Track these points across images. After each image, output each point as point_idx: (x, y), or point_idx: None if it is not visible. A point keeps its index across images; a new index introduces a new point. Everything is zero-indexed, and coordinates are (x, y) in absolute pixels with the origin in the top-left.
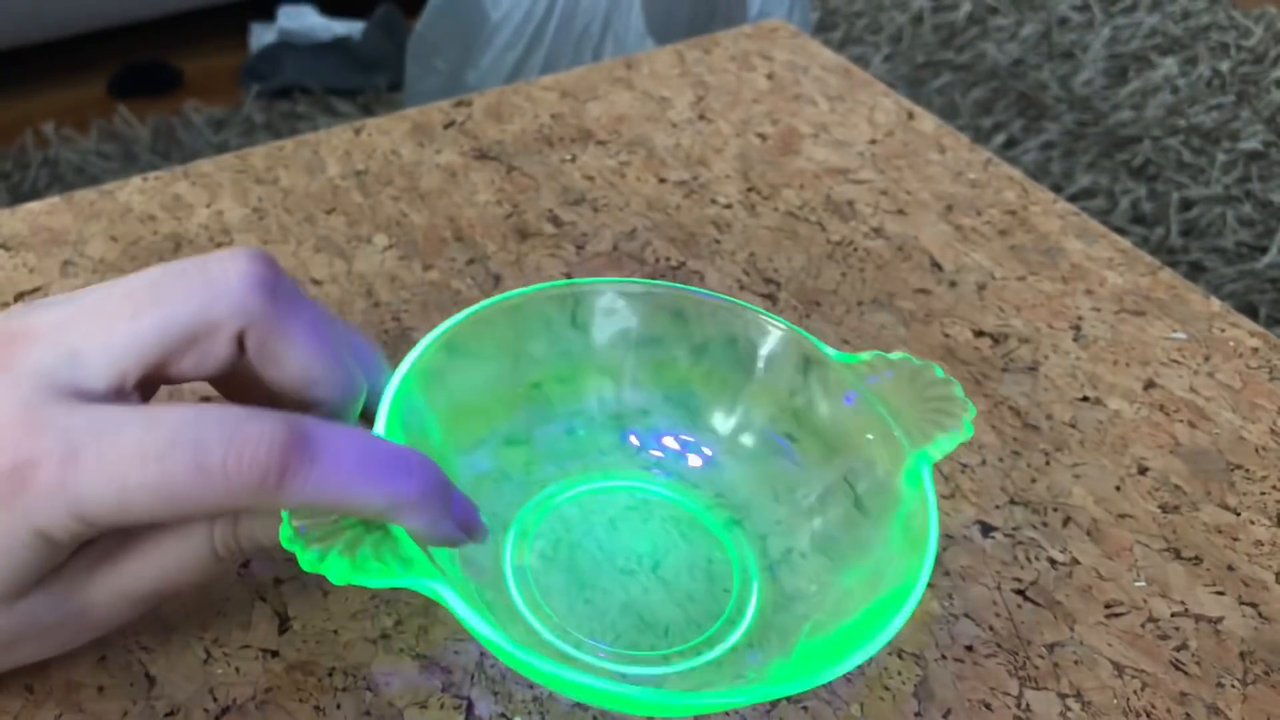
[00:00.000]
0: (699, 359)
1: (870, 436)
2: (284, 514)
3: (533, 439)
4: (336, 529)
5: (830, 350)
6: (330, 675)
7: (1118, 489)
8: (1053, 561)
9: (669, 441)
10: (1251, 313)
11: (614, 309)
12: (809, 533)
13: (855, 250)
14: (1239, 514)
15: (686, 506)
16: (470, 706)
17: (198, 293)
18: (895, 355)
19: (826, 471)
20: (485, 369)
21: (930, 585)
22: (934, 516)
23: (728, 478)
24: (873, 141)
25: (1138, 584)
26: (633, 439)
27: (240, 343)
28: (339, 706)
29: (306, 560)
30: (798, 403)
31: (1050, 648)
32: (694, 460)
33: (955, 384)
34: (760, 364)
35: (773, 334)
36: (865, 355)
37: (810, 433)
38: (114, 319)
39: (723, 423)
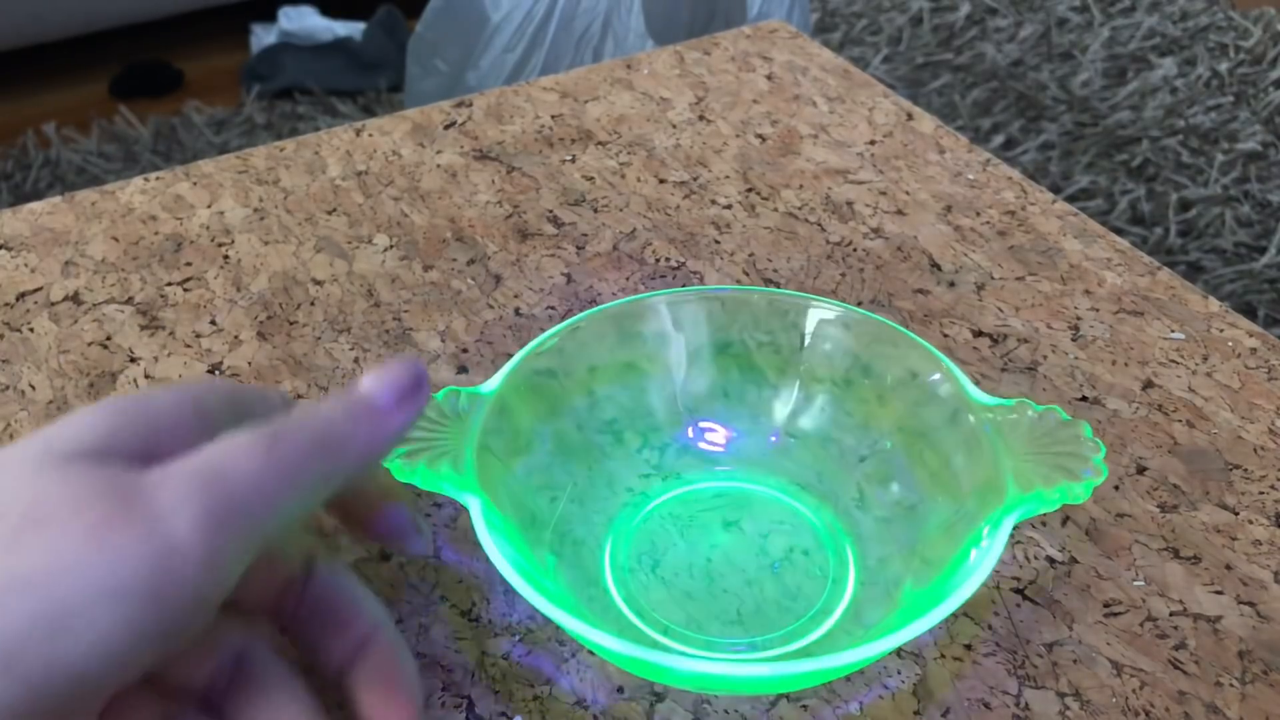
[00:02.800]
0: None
1: (986, 474)
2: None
3: (608, 451)
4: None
5: (973, 390)
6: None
7: (1116, 488)
8: (1051, 561)
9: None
10: (1250, 313)
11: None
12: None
13: (854, 250)
14: (1237, 513)
15: (776, 497)
16: (470, 706)
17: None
18: (1041, 408)
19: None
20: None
21: None
22: (991, 560)
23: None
24: (872, 142)
25: (1136, 583)
26: (710, 432)
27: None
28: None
29: (395, 469)
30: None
31: (1049, 647)
32: (784, 451)
33: (1101, 449)
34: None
35: (917, 357)
36: (1010, 402)
37: (921, 441)
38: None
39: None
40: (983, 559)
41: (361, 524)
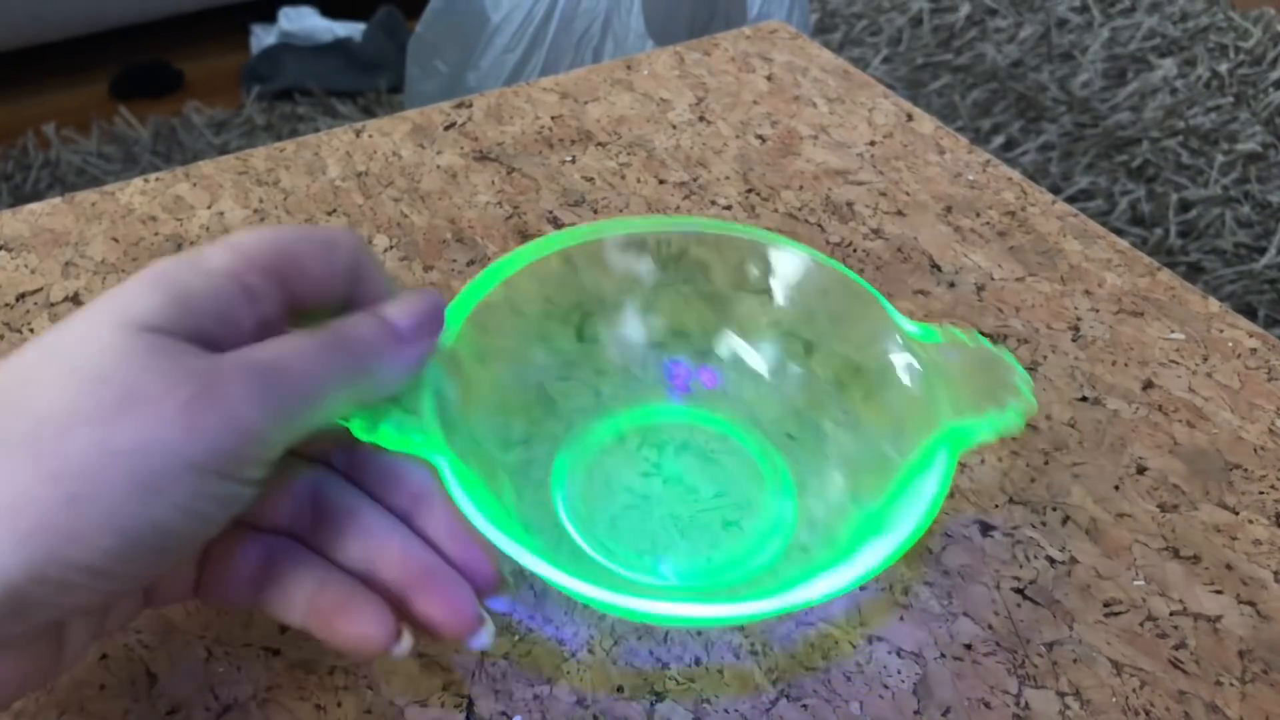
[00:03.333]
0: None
1: (921, 408)
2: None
3: (567, 378)
4: (385, 410)
5: (903, 322)
6: (331, 674)
7: (1116, 488)
8: (1052, 560)
9: (698, 367)
10: (1250, 313)
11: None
12: (835, 461)
13: (854, 251)
14: (1237, 513)
15: (723, 429)
16: (470, 705)
17: (321, 228)
18: (963, 334)
19: (862, 418)
20: (519, 323)
21: (929, 584)
22: (936, 492)
23: (767, 404)
24: (872, 143)
25: (1136, 583)
26: (657, 368)
27: (353, 265)
28: (340, 705)
29: (359, 429)
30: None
31: (1049, 646)
32: (732, 384)
33: (1025, 376)
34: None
35: (853, 291)
36: (937, 335)
37: (853, 373)
38: (264, 228)
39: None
40: (924, 491)
41: (414, 602)
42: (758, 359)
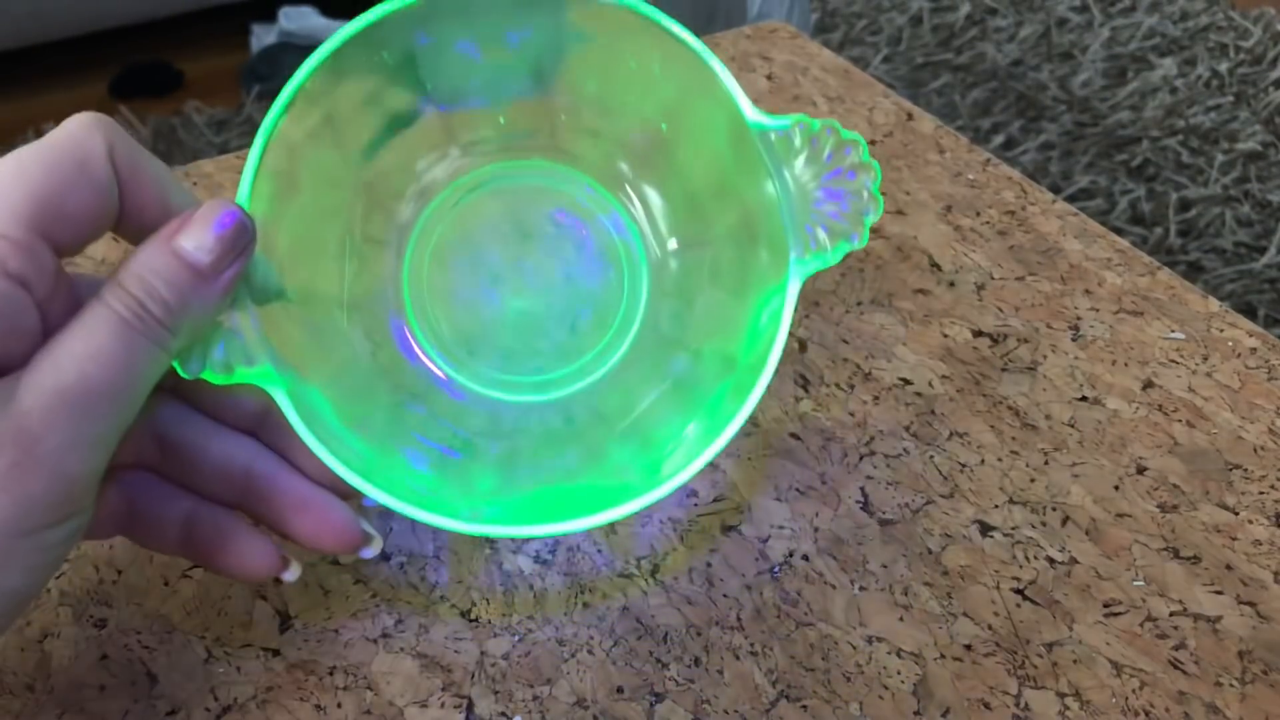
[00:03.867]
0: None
1: (769, 203)
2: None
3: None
4: (205, 341)
5: (747, 108)
6: (331, 674)
7: (1116, 489)
8: (1051, 561)
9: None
10: (1250, 313)
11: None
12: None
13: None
14: (1237, 513)
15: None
16: (470, 706)
17: (56, 133)
18: (819, 123)
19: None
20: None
21: (928, 584)
22: (785, 325)
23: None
24: (872, 142)
25: (1136, 583)
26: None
27: (114, 166)
28: (340, 705)
29: (182, 372)
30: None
31: (1049, 647)
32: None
33: (877, 175)
34: (665, 95)
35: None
36: (788, 121)
37: (704, 174)
38: None
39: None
40: (773, 325)
41: (291, 528)
42: (594, 138)
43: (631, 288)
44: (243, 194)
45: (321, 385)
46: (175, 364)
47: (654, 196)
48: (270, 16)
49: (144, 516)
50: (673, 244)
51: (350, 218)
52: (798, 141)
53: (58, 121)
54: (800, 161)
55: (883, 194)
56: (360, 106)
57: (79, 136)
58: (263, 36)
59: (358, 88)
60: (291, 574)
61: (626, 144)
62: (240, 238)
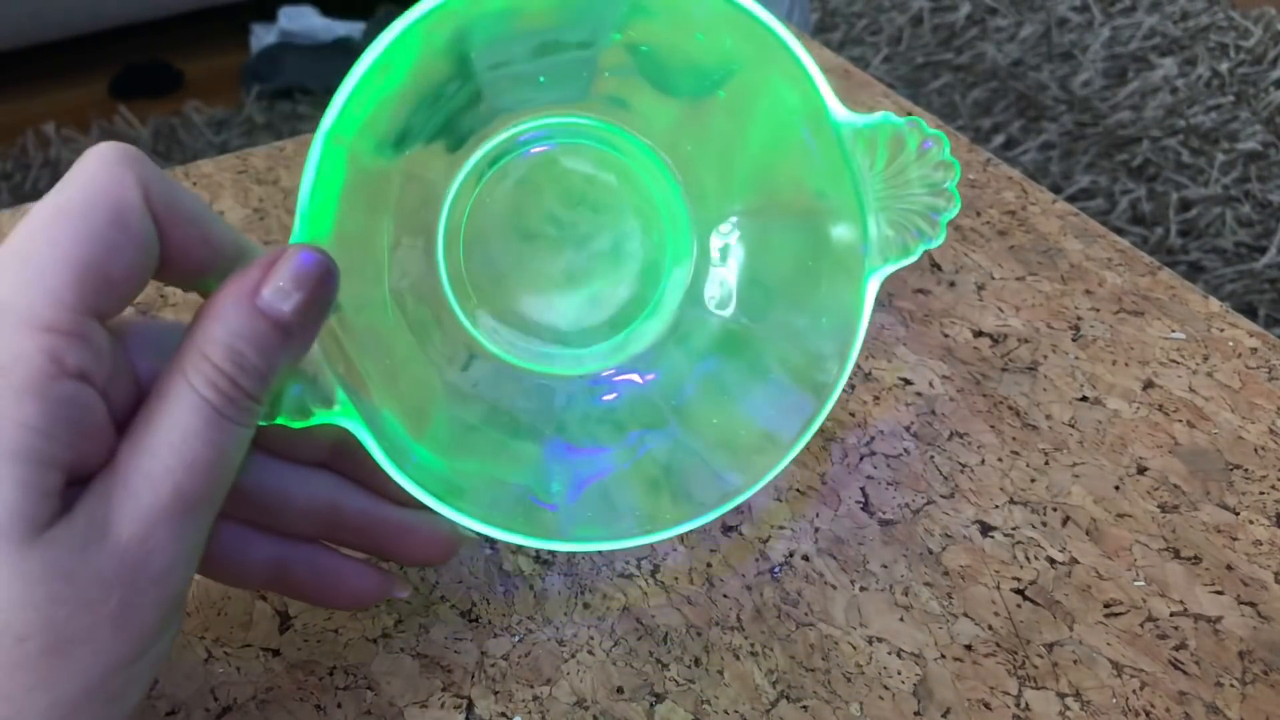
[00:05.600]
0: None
1: (848, 197)
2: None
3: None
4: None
5: (834, 103)
6: (331, 674)
7: (1117, 489)
8: (1052, 561)
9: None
10: (1250, 313)
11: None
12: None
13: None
14: (1238, 514)
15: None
16: (470, 706)
17: (81, 181)
18: (903, 121)
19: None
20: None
21: (929, 584)
22: (861, 332)
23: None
24: None
25: (1137, 583)
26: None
27: (151, 212)
28: (340, 705)
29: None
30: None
31: (1049, 647)
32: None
33: (956, 170)
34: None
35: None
36: (877, 118)
37: (778, 164)
38: (28, 248)
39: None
40: (854, 333)
41: (399, 554)
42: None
43: (675, 258)
44: (303, 214)
45: (386, 403)
46: None
47: (709, 174)
48: (270, 16)
49: (228, 564)
50: (730, 222)
51: (394, 207)
52: (881, 140)
53: (58, 121)
54: (882, 159)
55: None
56: (406, 99)
57: (110, 185)
58: (263, 36)
59: (406, 81)
60: (404, 590)
61: (691, 113)
62: (327, 286)
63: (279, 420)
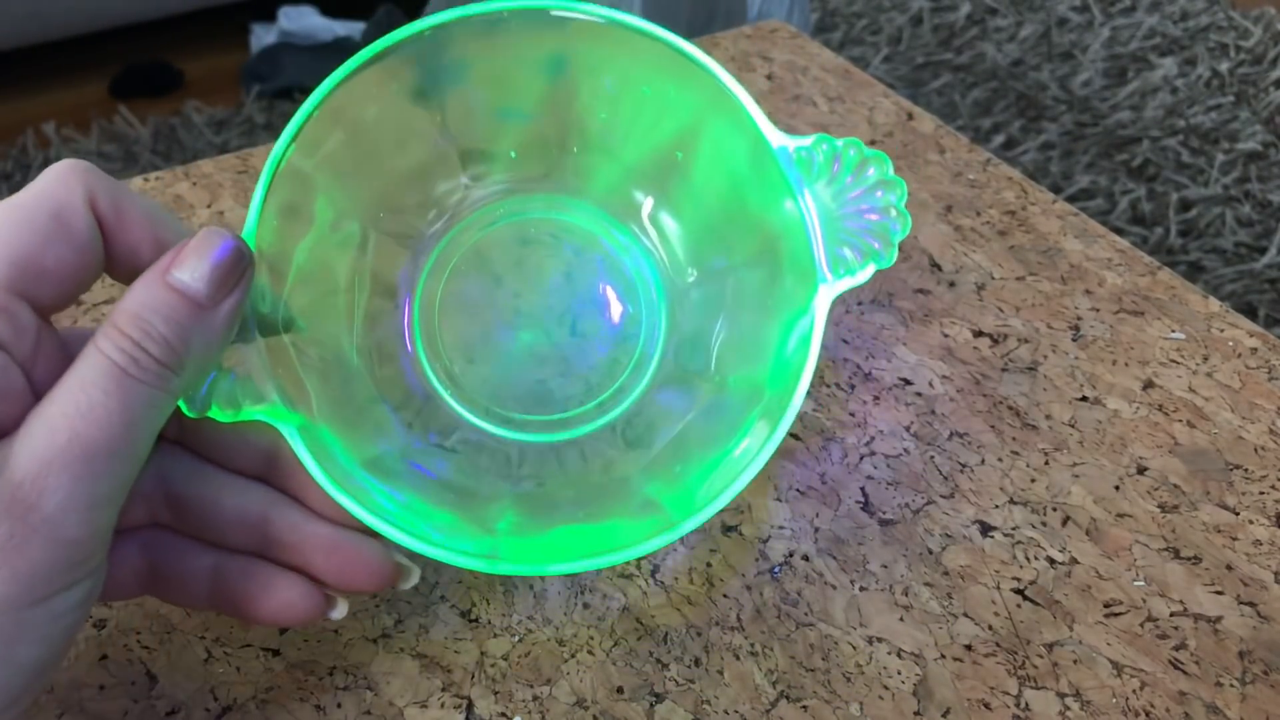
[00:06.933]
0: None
1: (795, 224)
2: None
3: (428, 175)
4: (210, 379)
5: (769, 130)
6: (331, 674)
7: (1117, 489)
8: (1052, 561)
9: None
10: (1250, 313)
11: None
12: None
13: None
14: (1238, 514)
15: (603, 235)
16: (470, 706)
17: (32, 187)
18: (843, 141)
19: (739, 241)
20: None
21: (929, 584)
22: (816, 346)
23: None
24: (872, 142)
25: (1137, 583)
26: (492, 174)
27: (95, 214)
28: (339, 706)
29: (188, 411)
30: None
31: (1049, 647)
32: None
33: (902, 191)
34: (684, 123)
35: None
36: (810, 141)
37: (725, 199)
38: None
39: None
40: (802, 349)
41: (321, 572)
42: (610, 166)
43: (649, 321)
44: (249, 226)
45: (331, 424)
46: (180, 404)
47: (671, 225)
48: (270, 16)
49: (168, 574)
50: (692, 274)
51: (360, 251)
52: (820, 160)
53: (58, 121)
54: (823, 180)
55: None
56: (370, 137)
57: (52, 189)
58: (263, 36)
59: (369, 117)
60: (339, 611)
61: (641, 172)
62: (238, 265)
63: (211, 412)
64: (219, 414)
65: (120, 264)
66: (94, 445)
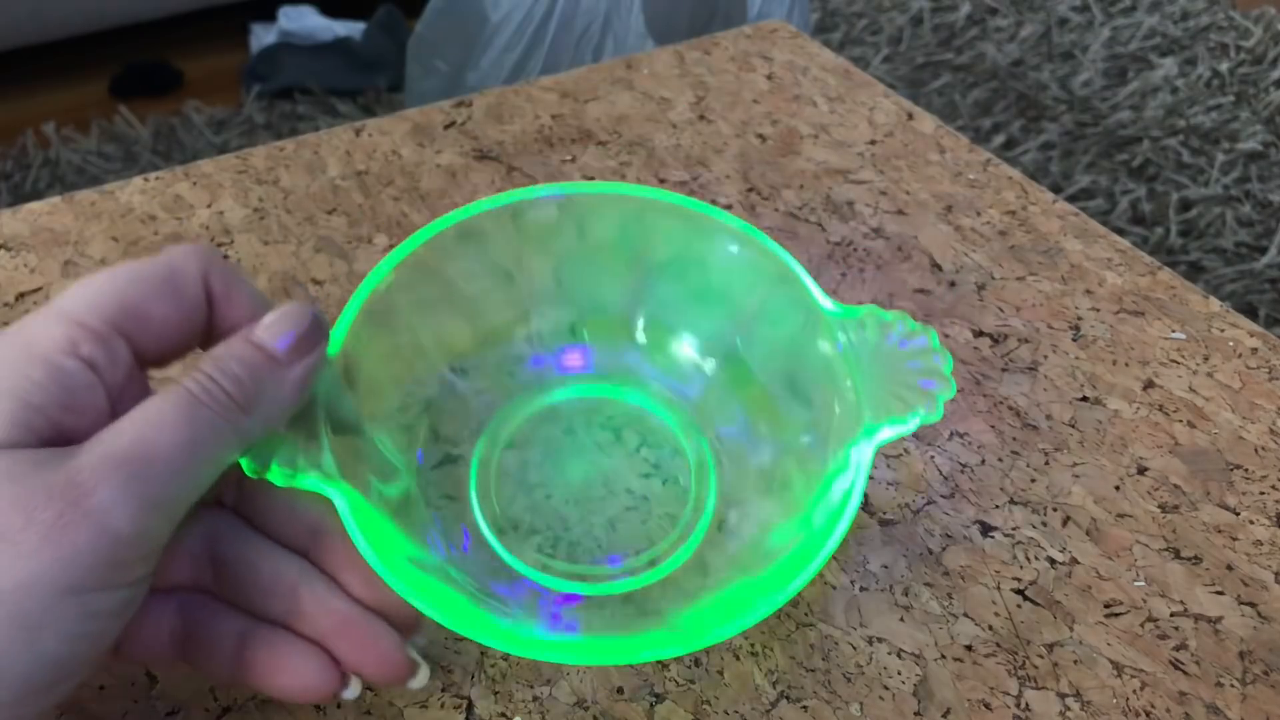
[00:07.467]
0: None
1: (844, 385)
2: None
3: (482, 358)
4: (275, 443)
5: (821, 298)
6: None
7: (1117, 489)
8: (1052, 561)
9: (615, 349)
10: (1251, 313)
11: (557, 216)
12: (755, 469)
13: (855, 250)
14: (1238, 514)
15: (653, 410)
16: (470, 706)
17: (160, 255)
18: (891, 315)
19: (786, 408)
20: (432, 294)
21: (929, 585)
22: (856, 497)
23: (689, 395)
24: (872, 142)
25: (1137, 584)
26: (566, 352)
27: (206, 288)
28: (339, 706)
29: (249, 468)
30: (781, 336)
31: (1050, 647)
32: (658, 372)
33: (948, 360)
34: (747, 297)
35: (766, 269)
36: (860, 311)
37: (780, 365)
38: (91, 278)
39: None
40: (846, 493)
41: (334, 650)
42: (673, 337)
43: (699, 491)
44: (340, 323)
45: (382, 510)
46: (242, 461)
47: (724, 394)
48: (270, 16)
49: (199, 637)
50: (743, 441)
51: (430, 388)
52: (869, 329)
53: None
54: (871, 348)
55: (883, 194)
56: (451, 295)
57: (174, 259)
58: (263, 36)
59: (451, 273)
60: (352, 691)
61: (700, 345)
62: (315, 333)
63: (270, 474)
64: (277, 475)
65: (221, 336)
66: (154, 452)
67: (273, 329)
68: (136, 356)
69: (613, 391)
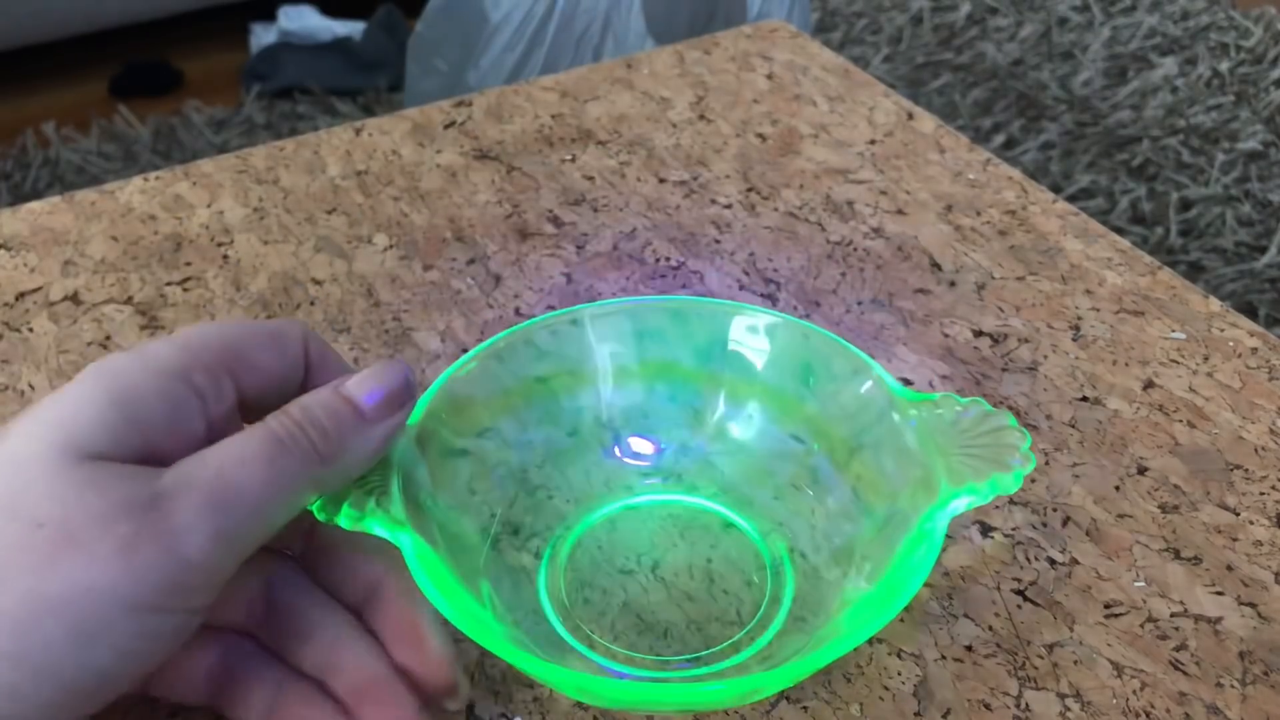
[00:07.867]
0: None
1: (917, 471)
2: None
3: (532, 447)
4: (348, 492)
5: (895, 385)
6: None
7: (1117, 489)
8: (1052, 561)
9: (683, 444)
10: (1251, 313)
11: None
12: (829, 546)
13: (855, 250)
14: (1238, 514)
15: (708, 508)
16: (470, 706)
17: (268, 320)
18: (966, 400)
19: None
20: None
21: (929, 585)
22: (930, 559)
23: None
24: (872, 142)
25: (1137, 584)
26: (638, 446)
27: (305, 351)
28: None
29: (320, 512)
30: (861, 426)
31: (1050, 648)
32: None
33: (1026, 438)
34: (825, 385)
35: (839, 361)
36: (935, 396)
37: (856, 442)
38: (209, 322)
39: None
40: (924, 556)
41: (354, 713)
42: (746, 430)
43: (774, 592)
44: (425, 395)
45: (448, 565)
46: (313, 507)
47: (799, 497)
48: (270, 16)
49: (236, 682)
50: (822, 553)
51: (506, 486)
52: (944, 409)
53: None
54: (947, 424)
55: (883, 194)
56: (526, 389)
57: (281, 322)
58: (262, 36)
59: (527, 369)
60: None
61: (778, 453)
62: (403, 392)
63: (339, 516)
64: (347, 517)
65: None
66: (233, 487)
67: (363, 384)
68: (239, 399)
69: (686, 490)
